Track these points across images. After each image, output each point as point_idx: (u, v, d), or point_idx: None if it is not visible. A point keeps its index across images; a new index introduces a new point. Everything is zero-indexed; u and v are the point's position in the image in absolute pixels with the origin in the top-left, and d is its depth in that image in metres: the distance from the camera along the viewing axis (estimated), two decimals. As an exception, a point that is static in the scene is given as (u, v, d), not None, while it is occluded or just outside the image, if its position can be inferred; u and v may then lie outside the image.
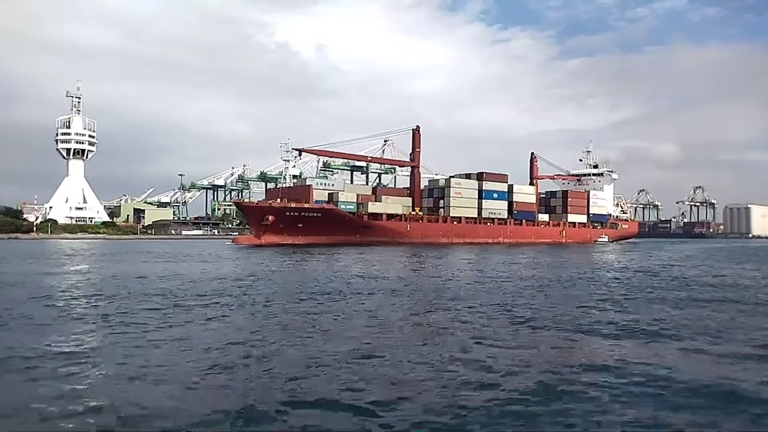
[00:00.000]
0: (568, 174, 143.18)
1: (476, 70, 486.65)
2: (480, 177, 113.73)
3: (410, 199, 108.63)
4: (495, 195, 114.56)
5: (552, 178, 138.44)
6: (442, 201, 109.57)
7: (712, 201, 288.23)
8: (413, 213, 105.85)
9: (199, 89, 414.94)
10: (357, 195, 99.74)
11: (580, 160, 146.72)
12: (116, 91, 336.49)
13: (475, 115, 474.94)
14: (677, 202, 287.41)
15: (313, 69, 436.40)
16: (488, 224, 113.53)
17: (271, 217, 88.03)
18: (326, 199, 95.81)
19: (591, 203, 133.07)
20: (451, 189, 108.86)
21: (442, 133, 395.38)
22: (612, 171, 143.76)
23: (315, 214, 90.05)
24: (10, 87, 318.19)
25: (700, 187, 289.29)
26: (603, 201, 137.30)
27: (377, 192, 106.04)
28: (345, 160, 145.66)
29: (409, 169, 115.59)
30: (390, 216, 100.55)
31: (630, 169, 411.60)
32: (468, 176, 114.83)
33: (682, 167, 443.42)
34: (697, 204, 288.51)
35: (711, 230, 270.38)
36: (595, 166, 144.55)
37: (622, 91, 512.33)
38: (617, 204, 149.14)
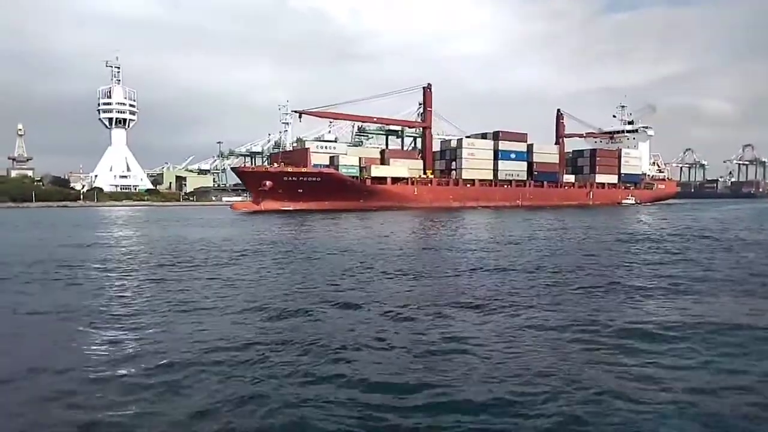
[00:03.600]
0: (599, 131, 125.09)
1: (516, 29, 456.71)
2: (496, 136, 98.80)
3: (421, 161, 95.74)
4: (513, 155, 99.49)
5: (581, 136, 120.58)
6: (454, 163, 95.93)
7: (763, 159, 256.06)
8: (423, 176, 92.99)
9: (237, 58, 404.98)
10: (360, 158, 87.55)
11: (614, 116, 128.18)
12: (157, 62, 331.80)
13: (514, 76, 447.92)
14: (725, 161, 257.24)
15: (349, 34, 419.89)
16: (505, 187, 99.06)
17: (268, 183, 77.99)
18: (327, 163, 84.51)
19: (622, 162, 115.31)
20: (464, 150, 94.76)
21: (480, 95, 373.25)
22: (648, 127, 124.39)
23: (314, 179, 79.23)
24: (55, 60, 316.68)
25: (749, 145, 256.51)
26: (636, 159, 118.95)
27: (385, 154, 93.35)
28: (380, 125, 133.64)
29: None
30: (395, 179, 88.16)
31: (676, 127, 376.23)
32: (484, 136, 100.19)
33: (732, 124, 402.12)
34: (746, 163, 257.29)
35: (761, 190, 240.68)
36: (630, 123, 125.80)
37: (670, 46, 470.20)
38: (654, 162, 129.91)
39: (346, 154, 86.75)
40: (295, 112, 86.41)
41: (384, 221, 48.35)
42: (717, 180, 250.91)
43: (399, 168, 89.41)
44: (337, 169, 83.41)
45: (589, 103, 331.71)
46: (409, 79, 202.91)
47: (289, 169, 79.13)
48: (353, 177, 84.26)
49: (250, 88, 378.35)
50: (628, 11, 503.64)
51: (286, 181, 78.11)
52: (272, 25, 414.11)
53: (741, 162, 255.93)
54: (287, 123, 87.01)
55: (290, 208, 77.27)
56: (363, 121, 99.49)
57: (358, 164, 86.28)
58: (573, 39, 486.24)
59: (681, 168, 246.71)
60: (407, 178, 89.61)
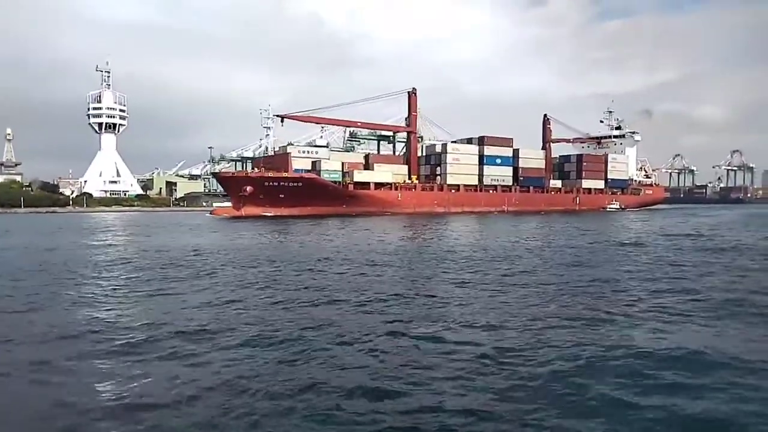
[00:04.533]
0: (587, 137, 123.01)
1: (512, 34, 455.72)
2: (481, 141, 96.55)
3: (406, 166, 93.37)
4: (498, 160, 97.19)
5: (568, 141, 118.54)
6: (439, 168, 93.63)
7: (750, 165, 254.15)
8: (407, 182, 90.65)
9: (235, 63, 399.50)
10: (343, 163, 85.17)
11: (601, 122, 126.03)
12: (153, 67, 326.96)
13: (509, 81, 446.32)
14: (713, 167, 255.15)
15: (345, 38, 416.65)
16: (490, 192, 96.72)
17: (248, 188, 75.63)
18: (309, 168, 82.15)
19: (609, 167, 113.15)
20: (448, 155, 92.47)
21: (476, 100, 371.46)
22: (635, 132, 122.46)
23: (295, 184, 76.80)
24: (48, 64, 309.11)
25: (737, 150, 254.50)
26: (623, 165, 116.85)
27: (369, 160, 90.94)
28: (371, 130, 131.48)
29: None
30: (379, 185, 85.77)
31: (666, 133, 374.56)
32: (469, 141, 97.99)
33: (721, 130, 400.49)
34: (734, 168, 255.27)
35: (749, 195, 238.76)
36: (618, 128, 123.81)
37: (663, 53, 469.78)
38: (641, 168, 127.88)
39: (328, 159, 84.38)
40: (277, 116, 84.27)
41: (364, 228, 46.06)
42: (706, 185, 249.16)
43: (382, 173, 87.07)
44: (319, 174, 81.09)
45: (585, 109, 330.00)
46: (405, 83, 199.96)
47: (270, 174, 76.84)
48: (335, 182, 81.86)
49: (247, 92, 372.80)
50: (622, 18, 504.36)
51: (266, 186, 75.72)
52: (270, 31, 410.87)
53: (729, 168, 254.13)
54: (269, 127, 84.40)
55: (271, 214, 75.07)
56: (347, 126, 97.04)
57: (340, 169, 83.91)
58: (568, 45, 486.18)
59: (670, 174, 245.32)
60: (391, 184, 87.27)
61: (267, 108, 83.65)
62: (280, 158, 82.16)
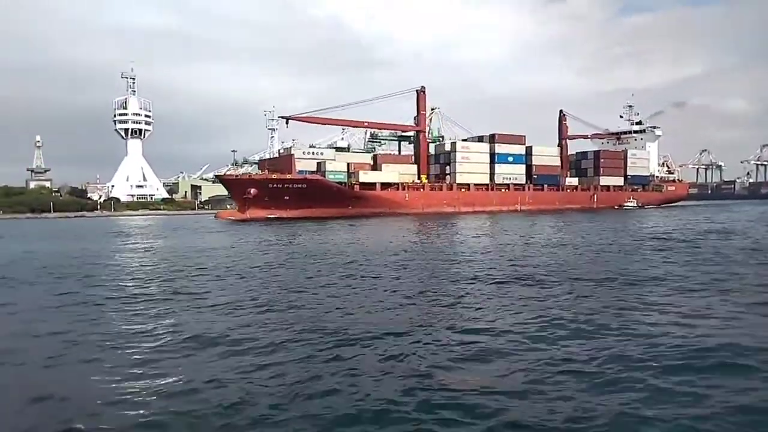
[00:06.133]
0: (606, 132, 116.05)
1: (533, 33, 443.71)
2: (492, 139, 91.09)
3: (415, 166, 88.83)
4: (510, 158, 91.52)
5: (585, 137, 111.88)
6: (448, 167, 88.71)
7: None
8: (416, 181, 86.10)
9: (257, 68, 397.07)
10: (348, 164, 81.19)
11: (621, 117, 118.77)
12: (178, 73, 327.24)
13: (530, 79, 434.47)
14: (742, 162, 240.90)
15: (366, 40, 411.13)
16: (503, 191, 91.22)
17: (253, 190, 72.50)
18: (314, 169, 78.53)
19: (629, 163, 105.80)
20: (458, 153, 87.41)
21: (498, 99, 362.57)
22: (656, 127, 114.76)
23: (300, 186, 73.27)
24: (76, 72, 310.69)
25: (767, 145, 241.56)
26: (643, 161, 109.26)
27: (378, 160, 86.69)
28: (392, 131, 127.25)
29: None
30: (385, 185, 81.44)
31: (693, 128, 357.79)
32: (480, 139, 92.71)
33: (750, 124, 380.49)
34: (764, 163, 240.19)
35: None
36: (639, 123, 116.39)
37: (687, 47, 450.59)
38: (663, 163, 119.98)
39: (333, 160, 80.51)
40: (282, 117, 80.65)
41: (367, 230, 42.30)
42: (734, 181, 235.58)
43: (388, 173, 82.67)
44: (324, 175, 77.35)
45: (609, 105, 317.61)
46: (426, 82, 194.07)
47: (274, 176, 73.54)
48: (340, 183, 77.97)
49: (270, 96, 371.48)
50: (645, 12, 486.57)
51: (271, 189, 72.43)
52: (292, 35, 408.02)
53: (759, 162, 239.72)
54: (273, 129, 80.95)
55: (276, 216, 71.78)
56: (353, 126, 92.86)
57: (345, 170, 79.95)
58: (591, 42, 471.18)
59: (697, 169, 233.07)
60: (398, 184, 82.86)
61: (271, 110, 79.93)
62: (284, 160, 78.73)
